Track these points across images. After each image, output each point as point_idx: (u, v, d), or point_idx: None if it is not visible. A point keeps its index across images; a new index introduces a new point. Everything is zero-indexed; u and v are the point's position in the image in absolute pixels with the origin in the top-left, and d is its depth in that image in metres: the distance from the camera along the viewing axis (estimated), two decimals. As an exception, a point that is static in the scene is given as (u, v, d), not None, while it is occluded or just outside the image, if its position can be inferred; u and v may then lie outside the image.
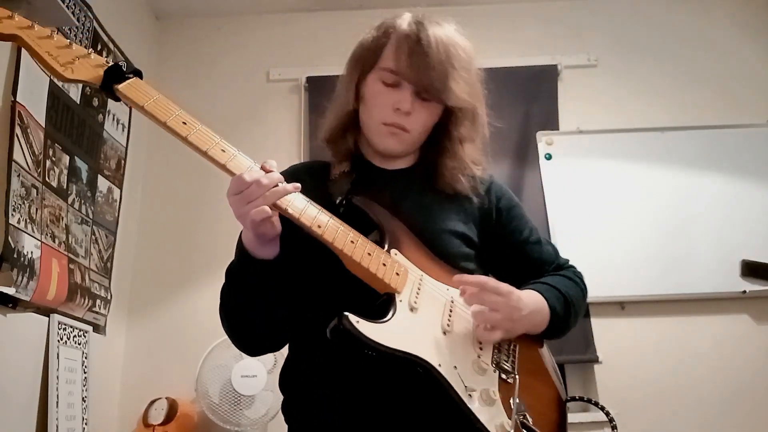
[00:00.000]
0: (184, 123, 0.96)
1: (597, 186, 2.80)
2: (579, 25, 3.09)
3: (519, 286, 1.11)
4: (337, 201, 1.12)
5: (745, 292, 2.62)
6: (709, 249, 2.66)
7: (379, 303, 1.00)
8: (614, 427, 1.14)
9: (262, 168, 0.97)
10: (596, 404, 1.18)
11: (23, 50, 1.92)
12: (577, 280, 1.22)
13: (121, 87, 0.97)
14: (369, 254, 1.00)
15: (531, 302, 1.08)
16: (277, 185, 0.95)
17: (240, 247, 1.03)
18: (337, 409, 1.03)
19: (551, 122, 2.90)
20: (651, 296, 2.65)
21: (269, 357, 2.40)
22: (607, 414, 1.15)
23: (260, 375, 2.36)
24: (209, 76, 3.05)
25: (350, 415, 1.02)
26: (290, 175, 1.03)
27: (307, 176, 1.12)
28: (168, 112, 0.96)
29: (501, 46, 3.01)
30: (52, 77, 2.10)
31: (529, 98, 2.93)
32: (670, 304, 2.65)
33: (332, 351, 0.97)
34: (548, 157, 2.82)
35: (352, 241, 1.00)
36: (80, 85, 2.30)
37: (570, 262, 1.27)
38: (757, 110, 2.88)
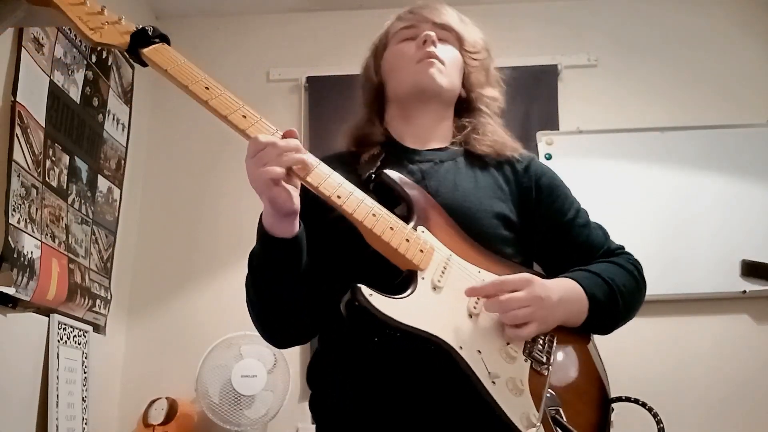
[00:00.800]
0: (207, 88, 0.96)
1: (597, 186, 2.79)
2: (579, 25, 3.08)
3: (562, 274, 1.07)
4: (365, 176, 1.08)
5: (745, 292, 2.62)
6: (709, 249, 2.66)
7: (399, 280, 0.95)
8: (661, 429, 1.06)
9: (284, 134, 0.94)
10: (644, 405, 1.09)
11: (23, 50, 1.94)
12: (629, 266, 1.13)
13: (147, 51, 0.98)
14: (391, 229, 0.96)
15: (560, 289, 1.00)
16: (294, 151, 0.91)
17: (259, 227, 0.98)
18: (359, 398, 1.00)
19: (551, 122, 2.90)
20: (651, 296, 2.57)
21: (269, 357, 2.40)
22: (659, 421, 1.07)
23: (260, 375, 2.35)
24: (209, 75, 3.04)
25: (374, 403, 0.99)
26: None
27: (338, 162, 1.08)
28: (191, 76, 0.97)
29: (501, 46, 2.98)
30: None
31: (529, 98, 2.93)
32: (670, 304, 2.64)
33: (356, 335, 0.94)
34: (548, 157, 2.82)
35: (374, 215, 0.95)
36: (80, 85, 2.30)
37: (624, 248, 1.18)
38: (757, 110, 2.88)
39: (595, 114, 2.93)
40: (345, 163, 1.12)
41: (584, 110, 2.93)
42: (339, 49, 2.94)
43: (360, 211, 0.94)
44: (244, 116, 0.95)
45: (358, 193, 0.96)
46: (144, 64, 1.00)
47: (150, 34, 1.00)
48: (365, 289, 0.88)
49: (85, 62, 2.34)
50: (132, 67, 2.72)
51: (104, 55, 2.50)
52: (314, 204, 0.97)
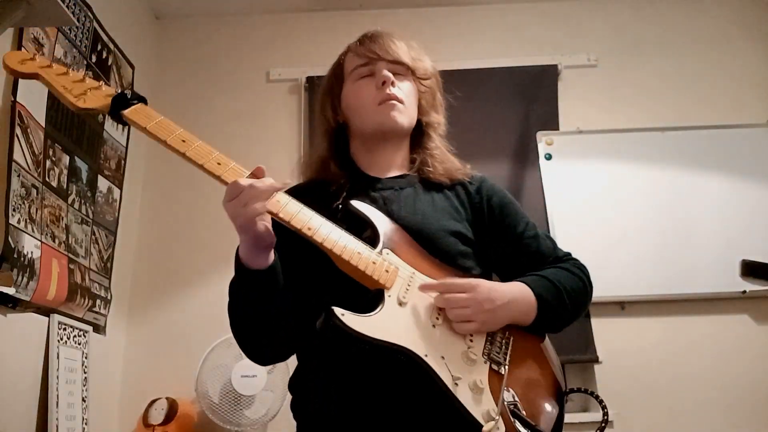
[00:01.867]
0: (183, 141, 1.06)
1: (597, 186, 2.80)
2: (579, 25, 3.09)
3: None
4: (334, 206, 1.18)
5: (745, 292, 2.62)
6: (709, 249, 2.66)
7: (369, 300, 1.04)
8: (606, 420, 1.18)
9: (253, 172, 1.03)
10: (592, 393, 1.21)
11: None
12: (575, 270, 1.22)
13: (127, 112, 1.09)
14: (359, 253, 1.06)
15: (507, 292, 1.11)
16: (270, 187, 1.00)
17: (236, 261, 1.06)
18: (336, 400, 1.08)
19: (551, 122, 2.90)
20: (651, 296, 2.65)
21: (269, 357, 2.40)
22: (604, 407, 1.19)
23: (260, 375, 2.35)
24: (209, 76, 3.05)
25: (351, 406, 1.07)
26: (291, 193, 1.08)
27: (308, 192, 1.17)
28: (168, 131, 1.06)
29: (501, 46, 3.01)
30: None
31: (529, 98, 2.93)
32: (670, 304, 2.65)
33: (331, 349, 1.03)
34: (548, 157, 2.82)
35: (342, 242, 1.06)
36: (80, 85, 2.30)
37: (571, 255, 1.28)
38: (757, 110, 2.88)
39: (595, 114, 2.93)
40: (314, 193, 1.21)
41: (584, 110, 2.93)
42: (339, 49, 2.92)
43: (329, 239, 1.04)
44: (219, 163, 1.04)
45: (327, 225, 1.06)
46: (125, 124, 1.11)
47: (129, 97, 1.10)
48: (338, 311, 0.98)
49: (85, 62, 2.34)
50: (132, 66, 2.73)
51: (104, 55, 2.50)
52: (288, 231, 1.05)
